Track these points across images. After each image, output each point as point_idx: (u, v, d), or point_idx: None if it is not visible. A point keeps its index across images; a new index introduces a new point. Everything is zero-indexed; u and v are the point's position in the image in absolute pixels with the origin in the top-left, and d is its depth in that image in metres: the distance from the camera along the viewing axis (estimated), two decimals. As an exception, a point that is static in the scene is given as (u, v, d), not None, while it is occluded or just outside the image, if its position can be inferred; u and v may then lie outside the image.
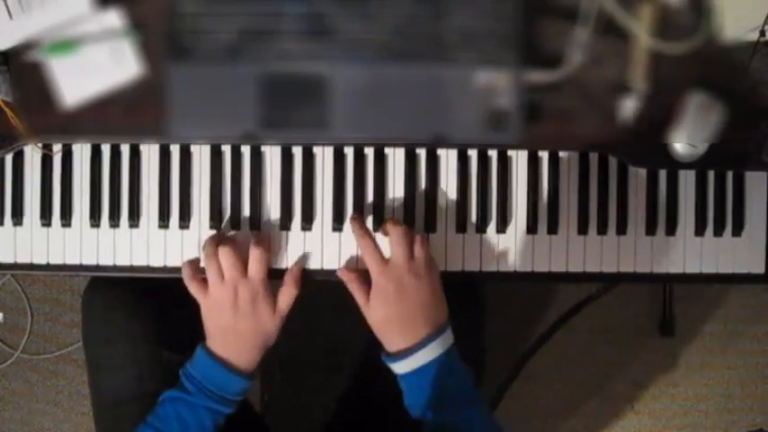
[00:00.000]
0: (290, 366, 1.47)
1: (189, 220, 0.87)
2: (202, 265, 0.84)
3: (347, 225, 0.87)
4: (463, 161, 0.87)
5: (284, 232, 0.87)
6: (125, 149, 0.87)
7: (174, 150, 0.87)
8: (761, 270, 0.90)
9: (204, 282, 0.83)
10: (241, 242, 0.85)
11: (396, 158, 0.87)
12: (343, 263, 0.87)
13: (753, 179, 0.90)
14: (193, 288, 0.83)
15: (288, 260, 0.87)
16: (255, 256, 0.82)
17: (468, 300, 0.99)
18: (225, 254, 0.81)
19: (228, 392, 0.82)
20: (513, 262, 0.88)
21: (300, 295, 0.85)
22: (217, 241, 0.83)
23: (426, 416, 0.81)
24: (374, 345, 0.86)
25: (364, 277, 0.83)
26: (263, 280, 0.82)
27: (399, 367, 0.81)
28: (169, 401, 0.81)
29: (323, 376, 1.44)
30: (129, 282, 0.89)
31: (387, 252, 0.83)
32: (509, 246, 0.88)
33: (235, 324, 0.82)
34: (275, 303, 0.84)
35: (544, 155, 0.88)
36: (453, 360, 0.82)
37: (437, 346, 0.80)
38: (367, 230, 0.83)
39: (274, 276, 0.86)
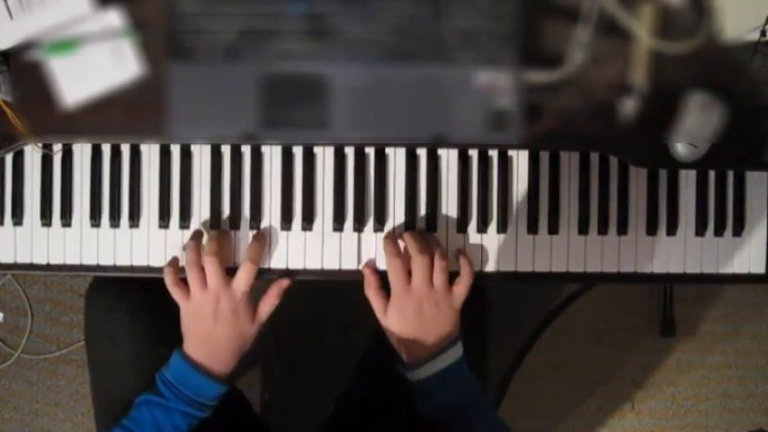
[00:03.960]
0: (289, 366, 1.47)
1: (189, 220, 0.87)
2: (183, 264, 0.85)
3: (348, 225, 0.87)
4: (464, 161, 0.87)
5: (285, 232, 0.87)
6: (125, 149, 0.87)
7: (175, 150, 0.87)
8: (761, 270, 0.90)
9: (186, 286, 0.83)
10: (225, 244, 0.85)
11: (396, 158, 0.87)
12: (343, 263, 0.87)
13: (753, 179, 0.90)
14: (176, 293, 0.84)
15: (288, 260, 0.87)
16: (246, 269, 0.83)
17: (470, 300, 0.99)
18: (210, 263, 0.82)
19: (203, 397, 0.83)
20: (514, 262, 0.88)
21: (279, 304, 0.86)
22: (197, 247, 0.84)
23: (440, 419, 0.84)
24: (373, 344, 0.86)
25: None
26: (246, 292, 0.83)
27: (413, 375, 0.84)
28: (144, 405, 0.82)
29: (323, 375, 1.44)
30: (130, 281, 0.89)
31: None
32: (510, 246, 0.88)
33: (213, 331, 0.83)
34: (255, 311, 0.85)
35: (545, 155, 0.88)
36: (463, 369, 0.85)
37: (448, 356, 0.83)
38: (398, 251, 0.84)
39: (270, 275, 0.86)
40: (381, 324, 0.86)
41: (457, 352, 0.84)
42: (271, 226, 0.87)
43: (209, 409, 0.84)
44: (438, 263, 0.83)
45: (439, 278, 0.83)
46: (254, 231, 0.87)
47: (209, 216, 0.87)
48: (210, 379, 0.83)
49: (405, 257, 0.84)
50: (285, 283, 0.86)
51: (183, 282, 0.84)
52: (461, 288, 0.85)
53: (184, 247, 0.85)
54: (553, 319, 1.46)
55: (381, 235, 0.87)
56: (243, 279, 0.83)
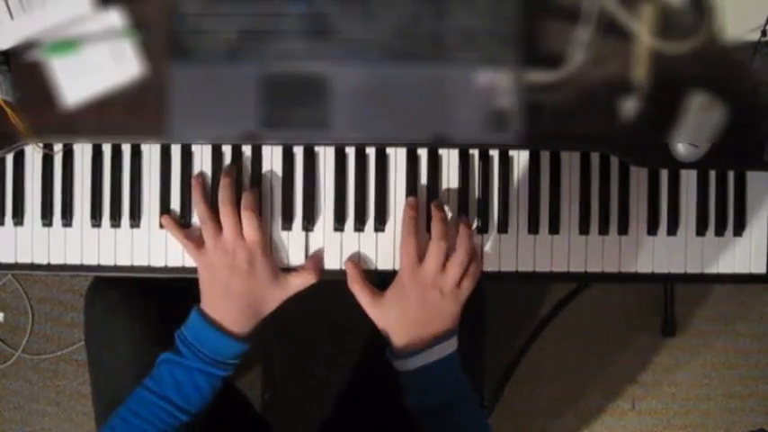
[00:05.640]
0: (289, 366, 1.47)
1: (190, 220, 0.86)
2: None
3: (348, 225, 0.87)
4: (464, 161, 0.87)
5: (285, 232, 0.87)
6: (126, 149, 0.87)
7: (175, 150, 0.87)
8: (762, 270, 0.90)
9: (200, 240, 0.83)
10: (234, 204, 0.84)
11: (397, 158, 0.87)
12: (344, 263, 0.87)
13: (754, 179, 0.90)
14: (189, 247, 0.84)
15: (289, 260, 0.87)
16: (246, 218, 0.82)
17: (469, 299, 0.99)
18: (226, 213, 0.82)
19: (221, 355, 0.81)
20: (515, 262, 0.88)
21: (313, 286, 0.86)
22: (206, 198, 0.84)
23: (425, 413, 0.82)
24: (373, 344, 0.86)
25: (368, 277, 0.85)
26: (259, 242, 0.83)
27: (403, 365, 0.82)
28: (165, 363, 0.81)
29: (323, 375, 1.44)
30: (131, 282, 0.89)
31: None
32: (510, 245, 0.88)
33: (230, 282, 0.82)
34: (280, 276, 0.84)
35: (545, 155, 0.88)
36: (454, 364, 0.83)
37: (442, 348, 0.82)
38: (416, 231, 0.84)
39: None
40: (371, 314, 0.84)
41: (451, 345, 0.83)
42: (271, 226, 0.87)
43: (230, 367, 0.82)
44: (459, 256, 0.82)
45: (452, 270, 0.82)
46: (246, 192, 0.86)
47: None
48: (228, 337, 0.81)
49: (420, 240, 0.83)
50: (318, 256, 0.86)
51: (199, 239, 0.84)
52: (468, 282, 0.84)
53: (195, 206, 0.85)
54: (551, 320, 1.46)
55: (382, 235, 0.87)
56: (249, 228, 0.82)
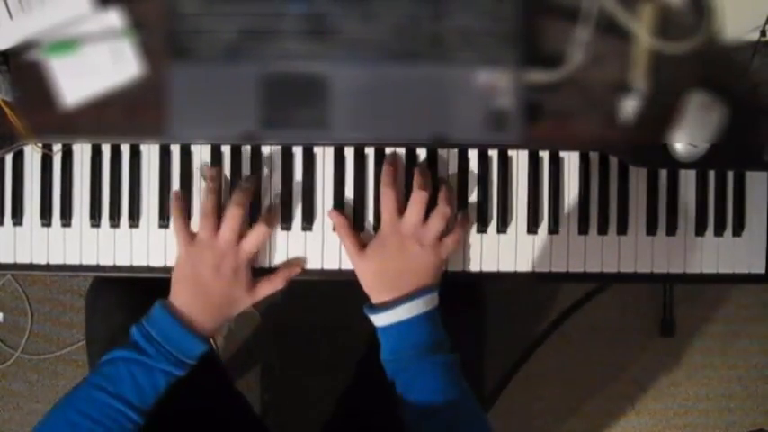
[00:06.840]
0: (289, 367, 1.47)
1: (189, 220, 0.86)
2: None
3: (347, 225, 0.87)
4: (463, 161, 0.87)
5: (284, 232, 0.87)
6: (125, 149, 0.87)
7: (175, 150, 0.87)
8: (761, 270, 0.90)
9: (193, 233, 0.83)
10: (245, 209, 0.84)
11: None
12: (343, 263, 0.87)
13: (753, 179, 0.90)
14: (181, 235, 0.83)
15: (288, 260, 0.87)
16: (260, 231, 0.82)
17: (469, 300, 0.99)
18: (232, 216, 0.81)
19: (187, 356, 0.80)
20: (514, 262, 0.88)
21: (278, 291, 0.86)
22: (217, 193, 0.83)
23: (399, 375, 0.81)
24: (373, 345, 0.86)
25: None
26: (252, 254, 0.83)
27: (378, 319, 0.82)
28: (122, 362, 0.78)
29: (322, 376, 1.44)
30: (131, 281, 0.89)
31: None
32: (509, 246, 0.88)
33: (210, 282, 0.81)
34: (252, 282, 0.84)
35: (545, 155, 0.88)
36: (435, 323, 0.82)
37: (420, 304, 0.81)
38: (394, 181, 0.83)
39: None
40: (354, 266, 0.84)
41: (430, 302, 0.81)
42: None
43: (189, 368, 0.81)
44: (440, 207, 0.82)
45: (434, 222, 0.82)
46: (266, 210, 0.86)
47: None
48: (195, 335, 0.80)
49: (400, 191, 0.83)
50: (295, 270, 0.86)
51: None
52: (451, 240, 0.83)
53: (204, 197, 0.84)
54: (562, 322, 1.46)
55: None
56: (253, 241, 0.82)
